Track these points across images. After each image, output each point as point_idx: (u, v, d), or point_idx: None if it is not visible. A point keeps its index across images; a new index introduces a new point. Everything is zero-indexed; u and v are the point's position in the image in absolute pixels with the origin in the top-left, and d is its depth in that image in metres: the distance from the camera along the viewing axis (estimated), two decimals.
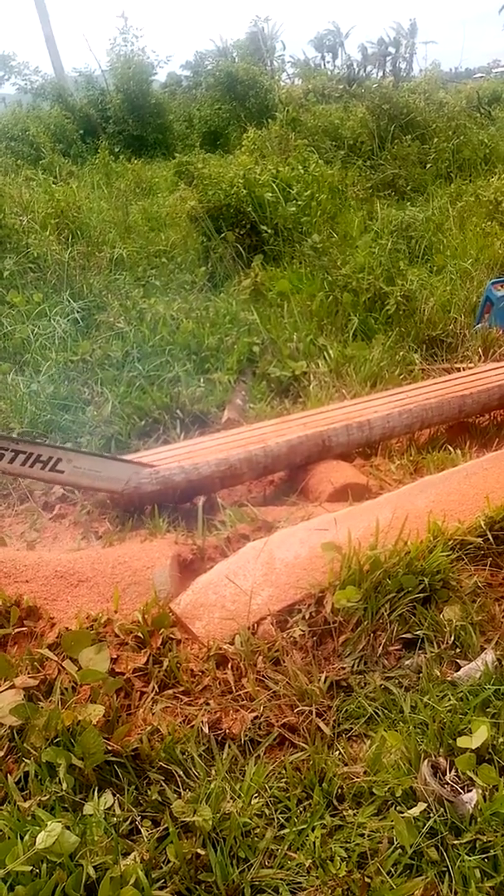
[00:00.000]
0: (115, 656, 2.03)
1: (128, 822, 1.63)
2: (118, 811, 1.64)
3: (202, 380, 4.39)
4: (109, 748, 1.75)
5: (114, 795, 1.68)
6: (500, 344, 4.80)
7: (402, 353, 4.66)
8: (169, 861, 1.53)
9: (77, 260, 6.24)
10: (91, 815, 1.60)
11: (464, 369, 4.30)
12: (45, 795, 1.64)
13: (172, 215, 8.57)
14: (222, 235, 6.71)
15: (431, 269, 6.26)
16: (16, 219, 6.48)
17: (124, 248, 6.98)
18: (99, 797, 1.65)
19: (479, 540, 2.47)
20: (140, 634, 2.11)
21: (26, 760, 1.72)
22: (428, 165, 10.20)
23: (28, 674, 1.96)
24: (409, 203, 8.55)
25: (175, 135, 18.22)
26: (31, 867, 1.46)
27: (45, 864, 1.47)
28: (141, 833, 1.60)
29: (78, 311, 5.32)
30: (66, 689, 1.91)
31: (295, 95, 15.28)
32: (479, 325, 5.18)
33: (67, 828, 1.53)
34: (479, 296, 5.47)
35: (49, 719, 1.77)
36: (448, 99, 13.40)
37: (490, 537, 2.47)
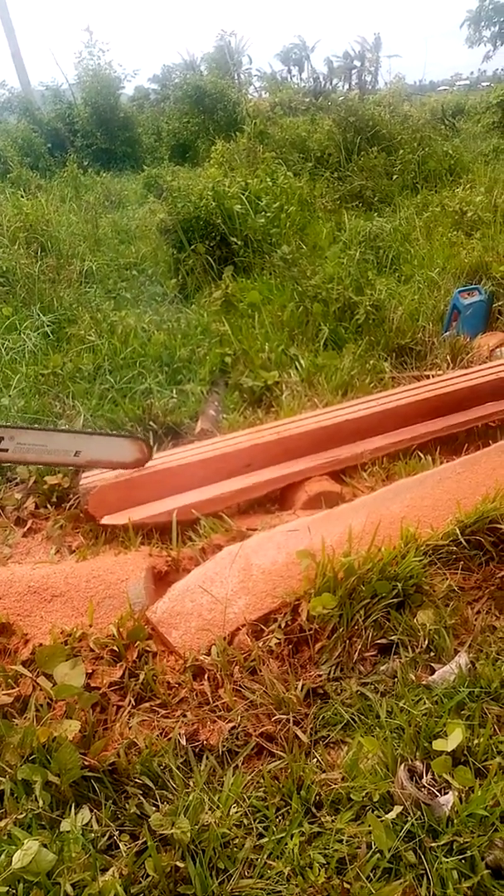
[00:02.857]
0: (90, 671, 2.02)
1: (106, 838, 1.62)
2: (96, 826, 1.63)
3: (175, 391, 4.40)
4: (86, 763, 1.74)
5: (91, 811, 1.67)
6: (468, 351, 4.87)
7: (372, 361, 4.70)
8: (148, 875, 1.52)
9: (46, 273, 6.21)
10: (68, 832, 1.58)
11: (433, 376, 4.36)
12: (21, 813, 1.62)
13: (142, 228, 8.59)
14: (192, 247, 6.73)
15: (399, 279, 6.33)
16: None
17: (94, 261, 6.97)
18: (76, 813, 1.64)
19: (452, 544, 2.50)
20: (115, 648, 2.10)
21: (1, 779, 1.70)
22: (394, 177, 10.34)
23: (2, 691, 1.94)
24: (376, 214, 8.66)
25: (144, 148, 18.29)
26: (7, 888, 1.44)
27: (21, 885, 1.46)
28: (119, 848, 1.59)
29: (48, 325, 5.30)
30: (41, 705, 1.89)
31: (262, 108, 15.42)
32: (448, 333, 5.26)
33: (44, 846, 1.51)
34: (447, 304, 5.56)
35: (24, 736, 1.75)
36: (413, 111, 13.62)
37: (463, 541, 2.50)
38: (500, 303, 5.73)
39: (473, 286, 5.70)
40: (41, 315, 5.41)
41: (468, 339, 5.02)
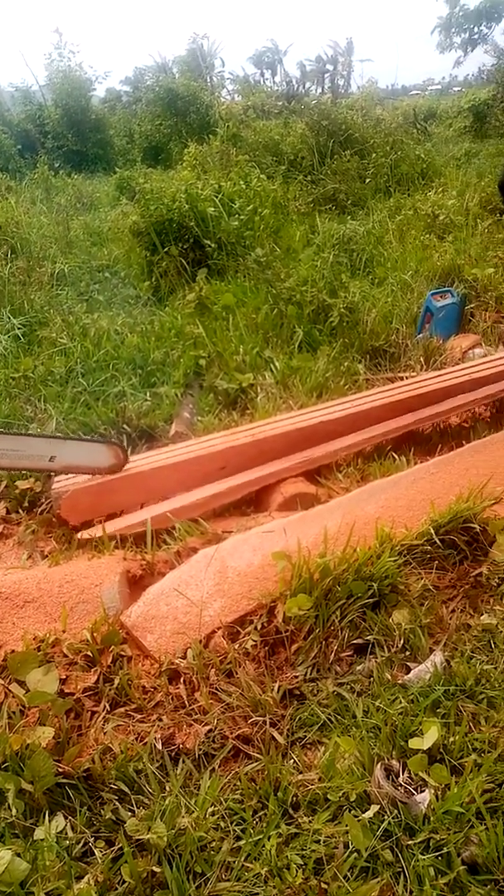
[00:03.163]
0: (64, 677, 1.99)
1: (81, 845, 1.59)
2: (70, 834, 1.61)
3: (149, 394, 4.37)
4: (60, 770, 1.72)
5: (66, 818, 1.64)
6: (441, 353, 4.92)
7: (346, 363, 4.72)
8: (124, 881, 1.50)
9: (17, 275, 6.16)
10: (42, 840, 1.56)
11: (407, 378, 4.40)
12: None
13: (115, 230, 8.56)
14: (166, 250, 6.72)
15: (373, 282, 6.38)
16: None
17: (66, 264, 6.93)
18: (50, 821, 1.61)
19: (426, 544, 2.51)
20: (90, 653, 2.08)
21: None
22: (367, 180, 10.43)
23: None
24: (349, 217, 8.71)
25: (116, 150, 18.26)
26: None
27: None
28: (95, 854, 1.57)
29: (19, 328, 5.24)
30: (13, 712, 1.86)
31: (235, 111, 15.43)
32: (421, 335, 5.31)
33: (18, 855, 1.49)
34: (420, 306, 5.61)
35: None
36: (385, 115, 13.75)
37: (437, 541, 2.52)
38: (472, 305, 5.82)
39: (446, 289, 5.77)
40: (11, 318, 5.36)
41: (441, 341, 5.08)
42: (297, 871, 1.53)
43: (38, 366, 4.66)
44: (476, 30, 21.90)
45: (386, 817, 1.62)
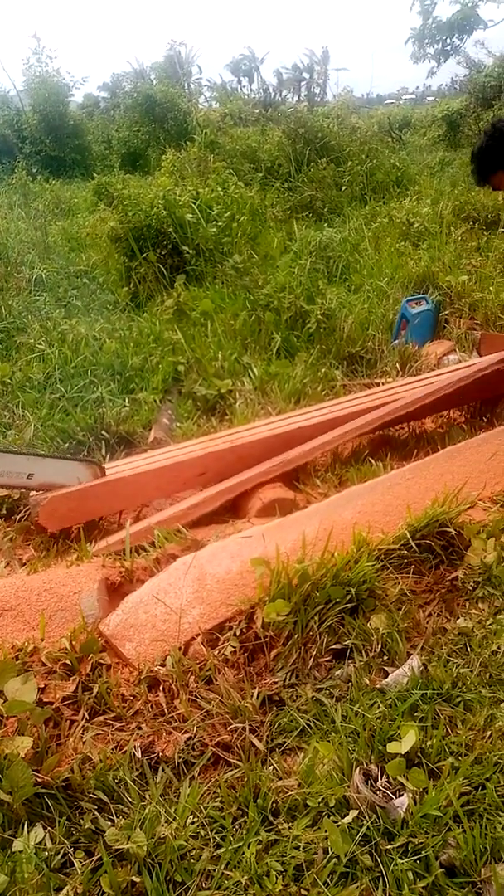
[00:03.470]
0: (42, 686, 1.98)
1: (60, 855, 1.58)
2: (49, 844, 1.59)
3: (127, 400, 4.37)
4: (39, 780, 1.70)
5: (45, 829, 1.63)
6: (417, 359, 4.98)
7: (323, 369, 4.76)
8: (104, 892, 1.49)
9: None
10: (21, 852, 1.54)
11: (383, 384, 4.44)
12: None
13: (93, 236, 8.55)
14: (144, 255, 6.71)
15: (349, 288, 6.44)
16: None
17: (44, 269, 6.90)
18: (29, 832, 1.60)
19: (403, 548, 2.54)
20: (68, 661, 2.06)
21: None
22: (343, 188, 10.52)
23: None
24: (326, 224, 8.79)
25: (94, 155, 18.24)
26: None
27: None
28: (74, 865, 1.56)
29: None
30: None
31: (212, 118, 15.50)
32: (396, 342, 5.37)
33: None
34: (395, 313, 5.67)
35: None
36: (360, 124, 13.90)
37: (413, 545, 2.54)
38: (446, 312, 5.89)
39: (421, 296, 5.84)
40: None
41: (416, 348, 5.13)
42: (276, 878, 1.53)
43: (16, 372, 4.63)
44: (448, 41, 22.23)
45: (365, 822, 1.63)
